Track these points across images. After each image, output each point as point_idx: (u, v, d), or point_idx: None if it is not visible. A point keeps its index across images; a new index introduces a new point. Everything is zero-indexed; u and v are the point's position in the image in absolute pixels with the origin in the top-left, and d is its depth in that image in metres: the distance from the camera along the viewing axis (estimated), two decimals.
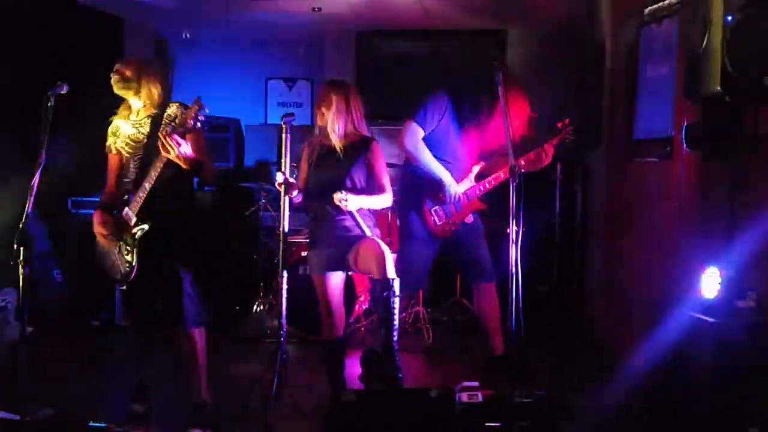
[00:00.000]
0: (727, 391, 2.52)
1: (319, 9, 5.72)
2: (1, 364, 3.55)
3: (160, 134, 3.04)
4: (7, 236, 3.13)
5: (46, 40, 4.93)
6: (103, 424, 2.35)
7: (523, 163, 3.63)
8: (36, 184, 3.01)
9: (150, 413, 3.32)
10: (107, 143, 3.33)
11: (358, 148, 3.50)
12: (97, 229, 3.24)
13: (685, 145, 3.19)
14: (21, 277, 2.95)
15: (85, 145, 4.26)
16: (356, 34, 6.69)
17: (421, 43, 6.59)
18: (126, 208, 3.18)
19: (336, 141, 3.46)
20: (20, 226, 2.97)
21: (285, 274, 3.31)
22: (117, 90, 3.22)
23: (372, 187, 3.50)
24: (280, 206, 3.29)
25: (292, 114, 3.30)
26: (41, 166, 3.02)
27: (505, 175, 3.67)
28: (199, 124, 3.06)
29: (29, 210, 2.98)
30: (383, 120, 6.15)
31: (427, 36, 6.57)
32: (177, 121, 3.11)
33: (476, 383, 2.68)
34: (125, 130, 3.29)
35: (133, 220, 3.16)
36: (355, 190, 3.43)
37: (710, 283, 2.69)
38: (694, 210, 3.24)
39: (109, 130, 3.33)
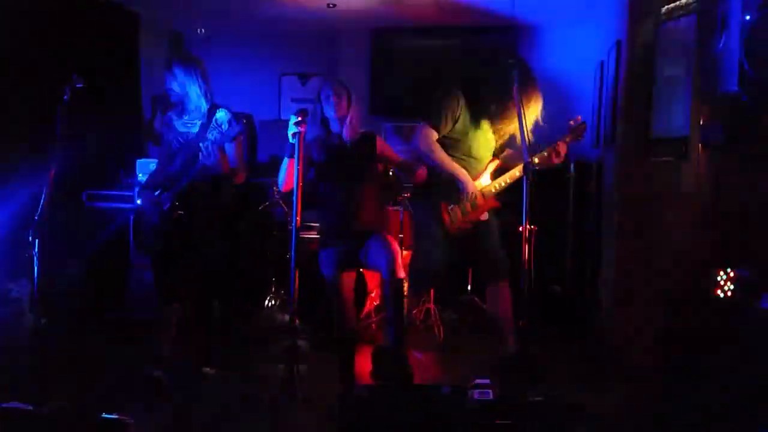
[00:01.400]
0: (742, 392, 2.50)
1: (334, 5, 5.72)
2: (14, 355, 3.57)
3: (201, 145, 3.28)
4: (22, 228, 3.16)
5: (62, 36, 4.95)
6: (115, 416, 2.36)
7: (537, 160, 3.61)
8: (52, 176, 3.05)
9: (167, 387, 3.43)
10: (155, 134, 3.54)
11: (365, 143, 3.60)
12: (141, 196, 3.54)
13: (701, 145, 3.16)
14: (35, 268, 2.98)
15: (101, 138, 4.29)
16: (371, 30, 6.68)
17: (436, 40, 6.55)
18: (164, 194, 3.43)
19: (346, 135, 3.54)
20: (35, 217, 3.00)
21: (296, 270, 3.33)
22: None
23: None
24: (292, 202, 3.31)
25: (305, 112, 3.29)
26: (57, 159, 3.07)
27: (520, 173, 3.65)
28: (239, 137, 3.39)
29: (44, 202, 3.01)
30: (397, 116, 6.16)
31: (442, 32, 6.54)
32: (219, 135, 3.33)
33: (488, 381, 2.66)
34: (178, 126, 3.52)
35: (168, 204, 3.39)
36: (368, 182, 3.51)
37: (725, 284, 2.67)
38: (710, 210, 3.21)
39: (163, 120, 3.58)
